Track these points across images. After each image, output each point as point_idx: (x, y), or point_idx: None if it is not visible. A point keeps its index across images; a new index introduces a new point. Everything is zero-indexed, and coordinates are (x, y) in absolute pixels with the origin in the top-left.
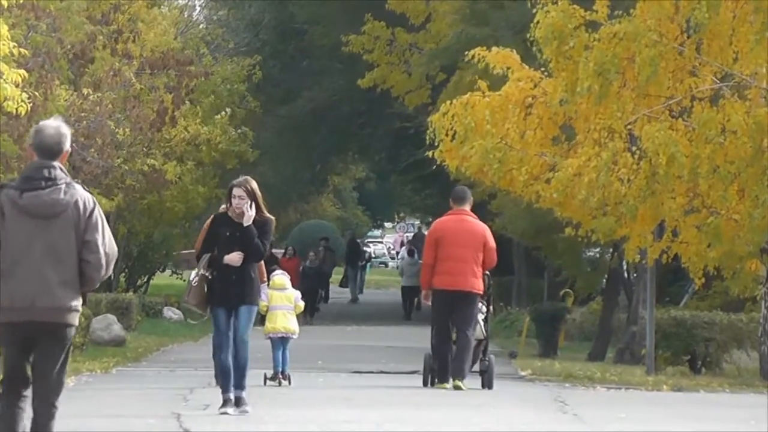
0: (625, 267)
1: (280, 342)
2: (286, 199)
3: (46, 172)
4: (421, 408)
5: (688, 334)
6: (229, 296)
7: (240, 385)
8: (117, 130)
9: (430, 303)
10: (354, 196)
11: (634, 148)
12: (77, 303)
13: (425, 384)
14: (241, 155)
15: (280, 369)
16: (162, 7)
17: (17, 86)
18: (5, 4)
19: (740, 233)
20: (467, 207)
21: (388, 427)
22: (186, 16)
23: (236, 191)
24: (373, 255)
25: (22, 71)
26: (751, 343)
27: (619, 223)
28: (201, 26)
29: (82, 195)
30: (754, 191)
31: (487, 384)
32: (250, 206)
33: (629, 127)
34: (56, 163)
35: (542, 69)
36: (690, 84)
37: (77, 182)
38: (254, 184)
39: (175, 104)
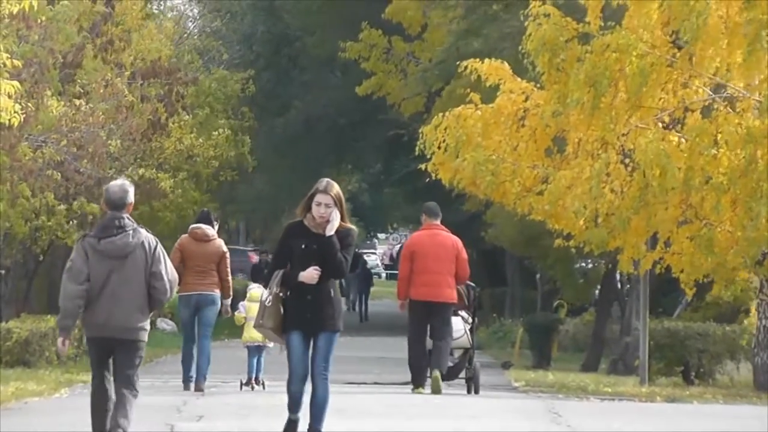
0: (618, 278)
1: (256, 350)
2: (279, 211)
3: (117, 222)
4: (414, 419)
5: (681, 345)
6: (305, 320)
7: (318, 425)
8: (110, 141)
9: (404, 311)
10: (348, 207)
11: (627, 160)
12: (145, 323)
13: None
14: (239, 163)
15: (254, 375)
16: (156, 19)
17: (10, 98)
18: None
19: (733, 244)
20: (439, 221)
21: None
22: (180, 27)
23: (321, 197)
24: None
25: (15, 83)
26: (744, 355)
27: (611, 234)
28: (195, 37)
29: (146, 237)
30: (747, 203)
31: (474, 390)
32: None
33: (623, 139)
34: (124, 214)
35: (534, 81)
36: (682, 95)
37: (141, 227)
38: (338, 189)
39: (168, 113)
